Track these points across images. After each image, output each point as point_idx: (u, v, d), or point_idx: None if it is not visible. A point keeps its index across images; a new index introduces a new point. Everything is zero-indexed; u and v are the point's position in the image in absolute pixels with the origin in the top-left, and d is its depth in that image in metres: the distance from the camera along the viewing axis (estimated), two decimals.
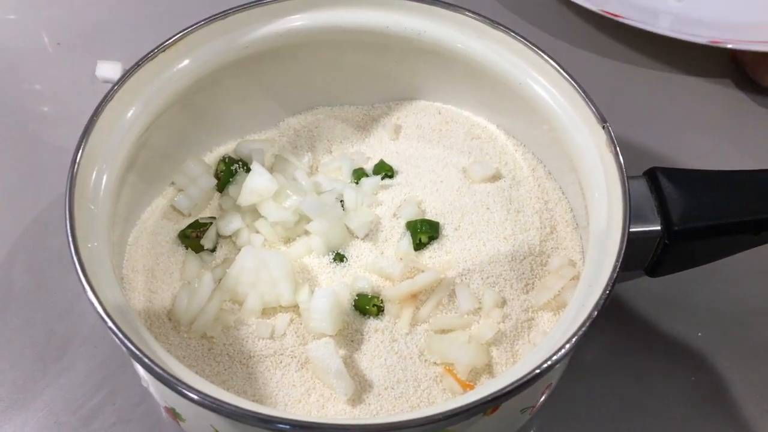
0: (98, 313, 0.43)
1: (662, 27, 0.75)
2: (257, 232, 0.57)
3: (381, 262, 0.55)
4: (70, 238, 0.46)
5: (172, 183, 0.60)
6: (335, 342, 0.51)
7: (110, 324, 0.43)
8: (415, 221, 0.57)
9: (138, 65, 0.54)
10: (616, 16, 0.76)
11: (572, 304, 0.48)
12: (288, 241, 0.57)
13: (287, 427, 0.41)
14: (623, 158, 0.50)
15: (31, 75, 0.77)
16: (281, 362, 0.52)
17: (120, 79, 0.53)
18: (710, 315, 0.62)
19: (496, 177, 0.61)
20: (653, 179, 0.53)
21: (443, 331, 0.53)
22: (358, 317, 0.53)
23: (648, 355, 0.60)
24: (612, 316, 0.61)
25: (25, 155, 0.71)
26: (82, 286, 0.44)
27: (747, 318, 0.63)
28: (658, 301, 0.62)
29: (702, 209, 0.53)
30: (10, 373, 0.58)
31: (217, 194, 0.61)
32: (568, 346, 0.43)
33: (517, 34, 0.57)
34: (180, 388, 0.41)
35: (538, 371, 0.43)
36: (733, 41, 0.74)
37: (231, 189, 0.60)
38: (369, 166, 0.62)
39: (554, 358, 0.43)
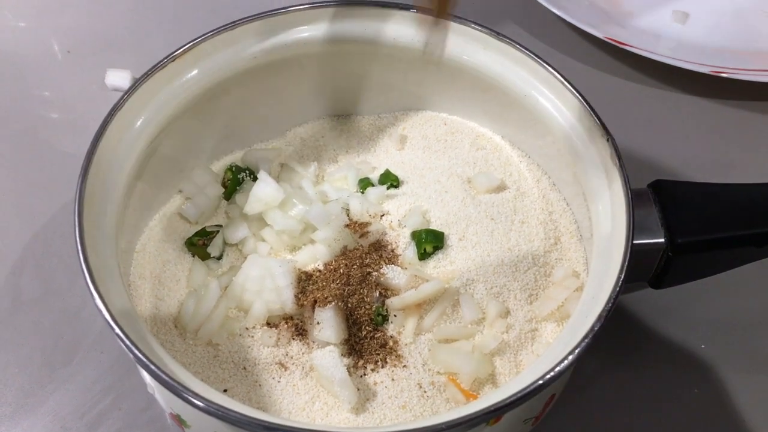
0: (105, 319, 0.44)
1: (665, 54, 0.76)
2: (263, 240, 0.58)
3: (386, 271, 0.55)
4: (79, 245, 0.47)
5: (180, 191, 0.61)
6: (339, 351, 0.52)
7: (117, 330, 0.44)
8: (420, 231, 0.57)
9: (148, 74, 0.54)
10: (620, 43, 0.77)
11: (575, 315, 0.48)
12: (294, 249, 0.58)
13: None
14: (627, 170, 0.51)
15: (41, 82, 0.78)
16: (286, 370, 0.52)
17: (130, 88, 0.54)
18: (714, 327, 0.62)
19: (500, 188, 0.61)
20: (657, 191, 0.53)
21: (447, 341, 0.54)
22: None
23: (651, 366, 0.60)
24: (615, 328, 0.60)
25: (34, 162, 0.71)
26: (90, 292, 0.45)
27: (751, 330, 0.63)
28: (661, 312, 0.62)
29: (706, 222, 0.53)
30: (17, 378, 0.58)
31: (224, 202, 0.61)
32: (570, 357, 0.44)
33: (522, 46, 0.57)
34: (185, 395, 0.42)
35: (541, 382, 0.43)
36: (734, 70, 0.75)
37: (238, 197, 0.60)
38: (375, 176, 0.62)
39: (557, 369, 0.43)
